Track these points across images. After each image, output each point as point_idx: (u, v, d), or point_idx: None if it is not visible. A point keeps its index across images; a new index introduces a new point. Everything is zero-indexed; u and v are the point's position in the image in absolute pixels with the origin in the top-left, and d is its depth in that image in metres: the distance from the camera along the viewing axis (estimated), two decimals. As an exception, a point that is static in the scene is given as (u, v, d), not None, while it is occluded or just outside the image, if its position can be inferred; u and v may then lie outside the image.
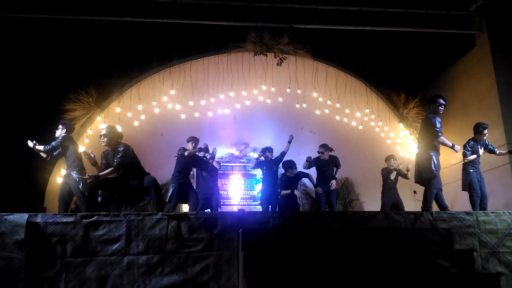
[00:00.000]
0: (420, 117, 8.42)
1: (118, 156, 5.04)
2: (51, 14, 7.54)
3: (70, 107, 7.74)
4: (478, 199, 6.08)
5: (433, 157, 5.58)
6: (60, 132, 5.96)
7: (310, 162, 7.13)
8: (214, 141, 10.36)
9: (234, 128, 10.57)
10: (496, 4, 8.21)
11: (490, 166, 7.21)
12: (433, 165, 5.55)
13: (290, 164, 7.34)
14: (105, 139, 5.17)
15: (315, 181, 7.30)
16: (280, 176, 7.63)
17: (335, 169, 7.29)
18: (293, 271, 3.74)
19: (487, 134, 6.33)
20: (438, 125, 5.61)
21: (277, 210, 7.21)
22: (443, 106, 5.77)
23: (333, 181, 7.14)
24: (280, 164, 7.53)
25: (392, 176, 7.50)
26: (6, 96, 7.71)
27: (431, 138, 5.67)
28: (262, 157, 7.42)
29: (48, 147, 5.74)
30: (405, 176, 7.47)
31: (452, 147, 5.73)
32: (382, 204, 7.49)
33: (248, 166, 11.47)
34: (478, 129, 6.32)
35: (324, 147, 7.24)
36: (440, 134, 5.60)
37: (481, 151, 6.27)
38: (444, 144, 5.71)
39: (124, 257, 4.15)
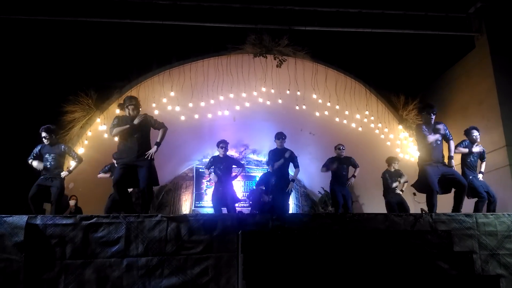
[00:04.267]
0: (420, 119, 8.41)
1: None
2: (51, 16, 7.54)
3: (69, 109, 7.73)
4: (483, 204, 6.08)
5: (428, 169, 5.53)
6: (54, 139, 5.94)
7: (329, 164, 7.17)
8: (213, 143, 10.37)
9: (233, 129, 10.57)
10: (495, 6, 8.21)
11: (490, 168, 7.21)
12: (429, 178, 5.50)
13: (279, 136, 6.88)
14: (132, 106, 5.32)
15: (330, 180, 7.31)
16: (269, 152, 7.11)
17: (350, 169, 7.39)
18: (293, 273, 3.74)
19: (477, 136, 6.33)
20: (425, 128, 5.57)
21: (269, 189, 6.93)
22: (432, 114, 5.66)
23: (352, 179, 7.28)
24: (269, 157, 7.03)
25: (392, 185, 7.57)
26: (5, 98, 7.69)
27: (422, 148, 5.67)
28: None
29: (77, 159, 6.07)
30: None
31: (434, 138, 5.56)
32: (388, 203, 7.48)
33: (248, 168, 11.50)
34: (468, 133, 6.37)
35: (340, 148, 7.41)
36: (427, 133, 5.53)
37: (475, 148, 6.26)
38: (434, 141, 5.56)
39: (124, 259, 4.14)
